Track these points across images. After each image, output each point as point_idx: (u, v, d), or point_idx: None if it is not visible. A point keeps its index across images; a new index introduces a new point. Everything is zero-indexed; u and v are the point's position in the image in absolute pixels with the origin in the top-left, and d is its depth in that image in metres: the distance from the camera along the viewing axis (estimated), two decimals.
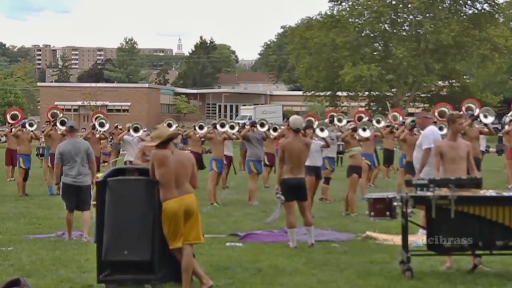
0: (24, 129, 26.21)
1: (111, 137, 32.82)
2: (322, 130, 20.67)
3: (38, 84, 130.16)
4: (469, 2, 72.50)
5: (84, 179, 14.33)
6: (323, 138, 20.00)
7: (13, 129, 26.64)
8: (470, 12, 72.96)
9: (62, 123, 25.85)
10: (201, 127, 26.54)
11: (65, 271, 11.73)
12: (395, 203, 11.28)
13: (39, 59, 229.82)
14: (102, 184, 10.63)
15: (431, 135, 14.77)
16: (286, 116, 71.91)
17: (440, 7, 71.15)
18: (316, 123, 21.91)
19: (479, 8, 72.51)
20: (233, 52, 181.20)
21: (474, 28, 70.43)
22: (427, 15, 70.90)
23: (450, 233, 10.98)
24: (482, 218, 10.96)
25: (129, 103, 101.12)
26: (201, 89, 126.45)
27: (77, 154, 14.71)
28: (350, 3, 73.81)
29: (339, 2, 74.23)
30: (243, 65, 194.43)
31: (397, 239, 13.01)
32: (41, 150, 31.46)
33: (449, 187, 11.03)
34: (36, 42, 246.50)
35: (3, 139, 28.07)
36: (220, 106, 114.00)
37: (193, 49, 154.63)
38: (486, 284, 10.54)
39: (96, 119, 26.47)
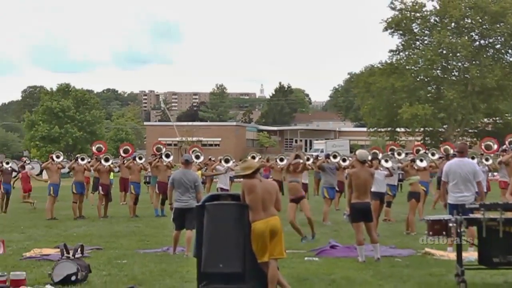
0: (134, 161, 26.58)
1: (205, 167, 32.99)
2: (386, 161, 20.73)
3: (145, 123, 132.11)
4: (510, 51, 71.67)
5: (190, 203, 14.38)
6: (387, 168, 19.98)
7: (125, 161, 26.98)
8: (511, 59, 72.09)
9: (167, 156, 26.19)
10: (281, 160, 26.57)
11: (170, 281, 11.81)
12: (450, 224, 11.15)
13: (145, 103, 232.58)
14: (201, 207, 10.69)
15: None
16: (352, 149, 71.71)
17: (485, 56, 70.51)
18: (380, 155, 21.83)
19: None
20: (307, 95, 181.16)
21: None
22: (474, 62, 70.21)
23: (498, 250, 10.81)
24: None
25: (219, 139, 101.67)
26: (280, 126, 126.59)
27: (186, 182, 14.84)
28: (406, 53, 73.48)
29: (397, 52, 73.98)
30: (315, 106, 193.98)
31: (452, 255, 12.86)
32: (148, 178, 31.81)
33: (498, 210, 10.89)
34: (142, 88, 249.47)
35: (117, 169, 28.40)
36: (296, 140, 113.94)
37: (273, 92, 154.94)
38: None
39: (192, 152, 26.67)
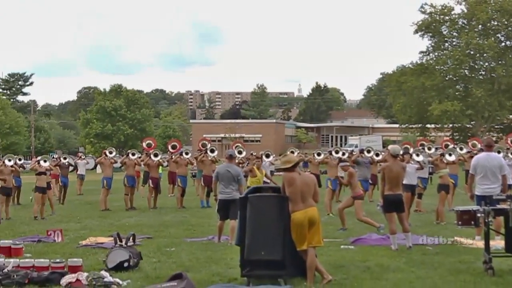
0: (181, 156, 26.70)
1: (247, 162, 33.01)
2: (417, 155, 20.65)
3: (191, 121, 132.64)
4: None
5: (233, 195, 14.40)
6: (418, 162, 19.90)
7: (173, 156, 27.12)
8: None
9: (212, 151, 26.25)
10: (318, 154, 26.53)
11: (215, 267, 11.85)
12: (478, 214, 11.06)
13: (191, 102, 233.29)
14: (244, 199, 10.74)
15: None
16: (385, 144, 71.32)
17: (510, 56, 69.90)
18: (412, 150, 21.71)
19: None
20: (342, 94, 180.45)
21: None
22: (500, 62, 69.61)
23: None
24: None
25: (260, 135, 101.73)
26: (317, 123, 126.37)
27: (230, 176, 14.88)
28: (436, 54, 73.07)
29: (427, 53, 73.66)
30: (350, 104, 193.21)
31: (480, 243, 12.75)
32: (194, 172, 31.94)
33: None
34: (188, 88, 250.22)
35: (165, 164, 28.57)
36: (332, 136, 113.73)
37: (310, 91, 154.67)
38: None
39: (235, 147, 26.72)
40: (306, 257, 10.23)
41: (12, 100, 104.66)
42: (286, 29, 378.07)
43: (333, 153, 24.36)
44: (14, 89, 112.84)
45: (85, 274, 10.51)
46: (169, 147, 28.23)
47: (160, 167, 27.52)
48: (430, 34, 72.54)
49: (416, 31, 72.28)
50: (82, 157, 37.76)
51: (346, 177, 17.95)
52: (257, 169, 20.81)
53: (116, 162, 26.76)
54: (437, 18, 71.75)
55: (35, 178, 23.21)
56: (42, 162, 23.29)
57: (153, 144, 28.46)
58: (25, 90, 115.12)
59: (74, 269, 10.90)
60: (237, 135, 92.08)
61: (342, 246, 14.26)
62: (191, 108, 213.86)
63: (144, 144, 29.15)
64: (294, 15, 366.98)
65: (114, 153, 26.42)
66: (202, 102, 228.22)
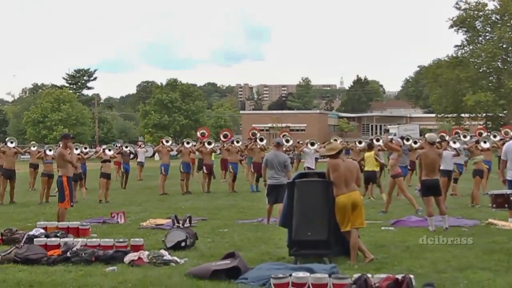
0: (233, 145, 26.81)
1: (293, 150, 33.02)
2: (454, 142, 20.47)
3: (240, 112, 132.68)
4: None
5: (281, 180, 14.42)
6: (455, 149, 19.72)
7: (225, 145, 27.24)
8: None
9: (261, 140, 26.32)
10: (360, 142, 26.46)
11: (265, 247, 11.90)
12: None
13: (241, 94, 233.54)
14: (291, 184, 10.75)
15: None
16: (422, 133, 70.60)
17: None
18: (448, 137, 21.53)
19: None
20: (381, 86, 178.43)
21: None
22: None
23: None
24: None
25: (305, 124, 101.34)
26: (358, 113, 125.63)
27: (277, 162, 14.89)
28: (470, 47, 72.12)
29: (462, 46, 72.66)
30: (389, 95, 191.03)
31: None
32: (244, 158, 31.93)
33: None
34: (238, 82, 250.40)
35: (218, 151, 28.74)
36: (372, 126, 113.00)
37: (352, 84, 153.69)
38: None
39: (283, 136, 26.73)
40: (350, 238, 10.23)
41: (78, 94, 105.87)
42: (329, 26, 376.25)
43: (374, 141, 24.20)
44: (79, 84, 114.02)
45: (146, 252, 10.63)
46: (221, 136, 28.36)
47: (213, 154, 27.64)
48: (465, 29, 71.65)
49: (451, 26, 71.46)
50: (141, 145, 38.20)
51: (395, 155, 18.00)
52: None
53: (172, 150, 26.98)
54: (471, 13, 70.84)
55: (99, 165, 23.57)
56: (107, 151, 23.65)
57: (207, 133, 28.60)
58: (89, 84, 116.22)
59: (136, 248, 11.03)
60: (283, 125, 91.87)
61: (382, 228, 14.21)
62: (240, 100, 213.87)
63: (198, 134, 29.30)
64: (336, 13, 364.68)
65: (170, 142, 26.66)
66: (251, 94, 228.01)
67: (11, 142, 23.40)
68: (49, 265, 10.39)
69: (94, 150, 31.90)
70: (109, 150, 23.92)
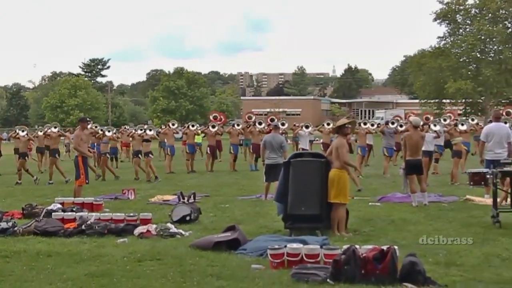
0: (233, 128, 26.85)
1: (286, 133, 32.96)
2: (435, 125, 20.42)
3: (241, 98, 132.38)
4: None
5: (278, 160, 14.42)
6: (435, 131, 19.69)
7: (222, 127, 27.32)
8: None
9: (260, 123, 26.30)
10: (328, 124, 26.46)
11: (263, 221, 11.93)
12: (488, 176, 10.94)
13: (242, 82, 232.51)
14: (287, 163, 10.77)
15: None
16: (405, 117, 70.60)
17: None
18: (431, 117, 21.57)
19: None
20: (370, 74, 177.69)
21: None
22: (507, 45, 68.40)
23: None
24: None
25: (300, 109, 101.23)
26: (348, 99, 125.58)
27: (274, 144, 14.91)
28: (452, 39, 72.01)
29: (444, 38, 72.58)
30: (377, 83, 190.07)
31: (489, 201, 12.60)
32: (241, 141, 31.73)
33: None
34: (239, 70, 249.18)
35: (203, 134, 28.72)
36: (361, 110, 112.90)
37: (343, 72, 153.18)
38: None
39: (271, 120, 26.84)
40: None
41: (92, 81, 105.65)
42: (323, 19, 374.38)
43: (362, 124, 24.16)
44: (94, 72, 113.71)
45: (154, 226, 10.65)
46: (211, 117, 28.57)
47: (199, 136, 27.74)
48: (447, 21, 71.54)
49: (435, 19, 71.32)
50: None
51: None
52: None
53: (177, 132, 26.96)
54: (453, 7, 70.72)
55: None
56: (147, 131, 22.83)
57: (219, 117, 28.64)
58: (103, 73, 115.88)
59: (145, 221, 11.05)
60: (280, 109, 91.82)
61: (370, 203, 14.25)
62: (241, 87, 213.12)
63: (211, 117, 29.39)
64: (329, 7, 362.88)
65: (176, 125, 26.61)
66: (251, 82, 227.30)
67: (23, 131, 23.72)
68: (65, 237, 10.42)
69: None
70: (150, 130, 23.28)
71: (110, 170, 23.16)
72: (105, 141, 23.66)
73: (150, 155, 21.87)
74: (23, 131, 23.57)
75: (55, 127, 23.89)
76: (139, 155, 22.02)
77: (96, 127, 27.49)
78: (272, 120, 26.76)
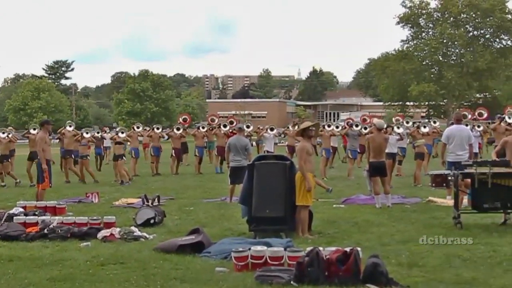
0: (198, 130, 26.79)
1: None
2: (398, 127, 20.57)
3: (207, 100, 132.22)
4: (497, 40, 71.13)
5: (242, 162, 14.36)
6: (399, 133, 19.85)
7: (188, 130, 27.24)
8: (498, 46, 71.17)
9: (224, 126, 26.27)
10: (294, 126, 26.62)
11: (227, 223, 11.89)
12: (449, 177, 11.08)
13: (207, 84, 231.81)
14: (251, 165, 10.75)
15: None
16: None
17: (477, 44, 70.01)
18: (402, 121, 21.84)
19: (505, 44, 70.98)
20: (335, 76, 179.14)
21: (501, 57, 68.82)
22: (468, 49, 69.66)
23: (487, 197, 10.73)
24: (510, 187, 10.69)
25: (265, 112, 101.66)
26: (314, 102, 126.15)
27: (239, 146, 14.89)
28: (415, 42, 72.96)
29: (407, 41, 73.56)
30: (341, 85, 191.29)
31: (450, 202, 12.77)
32: (205, 144, 31.58)
33: (487, 166, 10.83)
34: (204, 72, 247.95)
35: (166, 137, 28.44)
36: (326, 113, 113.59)
37: (308, 75, 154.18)
38: None
39: (231, 123, 26.87)
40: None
41: (56, 83, 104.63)
42: (288, 22, 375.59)
43: (326, 127, 24.27)
44: (58, 74, 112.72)
45: (118, 229, 10.56)
46: (181, 119, 28.45)
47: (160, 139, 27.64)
48: (410, 25, 72.46)
49: (398, 23, 72.19)
50: (106, 131, 37.48)
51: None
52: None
53: (142, 135, 26.80)
54: (416, 11, 71.64)
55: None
56: (119, 134, 23.20)
57: (188, 119, 28.54)
58: (67, 75, 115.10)
59: (108, 225, 10.94)
60: (246, 112, 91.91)
61: (334, 205, 14.27)
62: (207, 90, 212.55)
63: (180, 119, 29.27)
64: (295, 11, 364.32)
65: (140, 128, 26.45)
66: (217, 84, 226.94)
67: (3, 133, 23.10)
68: (27, 241, 10.27)
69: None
70: (122, 132, 23.52)
71: (90, 174, 22.73)
72: (83, 143, 23.27)
73: (123, 157, 21.74)
74: (3, 133, 22.98)
75: (34, 129, 23.28)
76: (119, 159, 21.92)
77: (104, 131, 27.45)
78: (231, 122, 26.69)
